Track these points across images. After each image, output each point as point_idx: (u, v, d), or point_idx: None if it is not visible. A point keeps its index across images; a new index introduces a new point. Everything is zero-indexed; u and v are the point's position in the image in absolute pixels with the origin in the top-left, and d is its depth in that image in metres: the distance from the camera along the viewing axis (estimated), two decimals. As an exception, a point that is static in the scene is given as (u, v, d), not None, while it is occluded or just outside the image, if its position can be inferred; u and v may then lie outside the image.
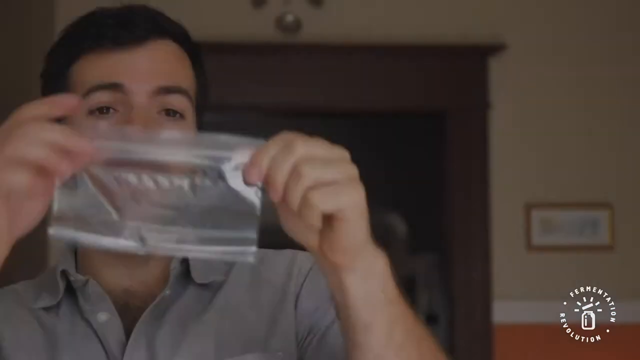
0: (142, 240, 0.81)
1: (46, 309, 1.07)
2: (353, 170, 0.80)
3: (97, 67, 1.04)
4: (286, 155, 0.77)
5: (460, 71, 3.21)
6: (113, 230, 0.81)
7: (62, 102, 0.80)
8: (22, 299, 1.09)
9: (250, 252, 0.80)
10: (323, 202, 0.78)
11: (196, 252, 0.81)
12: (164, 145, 0.80)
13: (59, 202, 0.80)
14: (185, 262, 1.09)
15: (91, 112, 1.02)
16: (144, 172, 0.80)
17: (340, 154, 0.80)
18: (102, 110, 1.02)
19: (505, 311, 3.11)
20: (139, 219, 0.80)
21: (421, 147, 4.57)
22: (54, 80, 1.07)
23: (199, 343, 1.04)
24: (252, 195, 0.80)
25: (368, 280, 0.84)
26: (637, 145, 3.20)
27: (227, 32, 3.13)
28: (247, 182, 0.79)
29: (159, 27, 1.06)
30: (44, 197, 0.81)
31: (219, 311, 1.07)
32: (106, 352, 1.03)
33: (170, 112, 1.04)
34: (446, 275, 3.29)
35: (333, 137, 0.87)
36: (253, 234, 0.80)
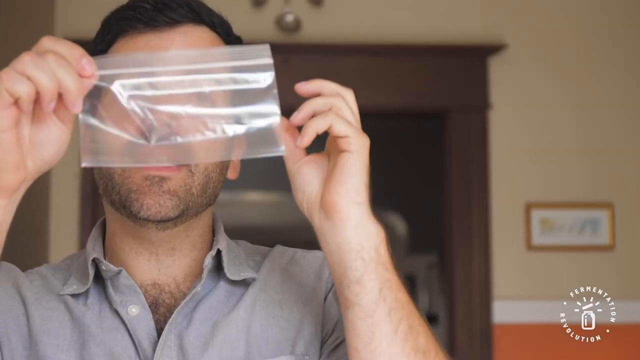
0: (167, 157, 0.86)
1: (74, 296, 1.06)
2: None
3: (127, 47, 1.04)
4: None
5: (460, 71, 3.21)
6: (140, 152, 0.84)
7: (82, 64, 0.80)
8: (49, 284, 1.08)
9: (275, 122, 0.86)
10: (338, 121, 0.90)
11: (222, 132, 0.86)
12: (182, 63, 0.84)
13: (86, 133, 0.82)
14: (217, 257, 1.08)
15: None
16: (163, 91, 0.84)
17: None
18: None
19: (505, 311, 3.11)
20: (164, 137, 0.84)
21: (421, 147, 4.58)
22: None
23: (228, 342, 1.03)
24: (269, 76, 0.87)
25: (361, 233, 0.90)
26: (637, 145, 3.20)
27: (227, 32, 3.13)
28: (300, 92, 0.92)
29: (196, 13, 1.06)
30: (63, 124, 0.82)
31: (249, 309, 1.06)
32: (135, 347, 1.01)
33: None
34: (446, 275, 3.28)
35: (333, 137, 0.92)
36: (276, 107, 0.87)
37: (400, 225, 5.47)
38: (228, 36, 1.10)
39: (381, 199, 5.28)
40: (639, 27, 3.26)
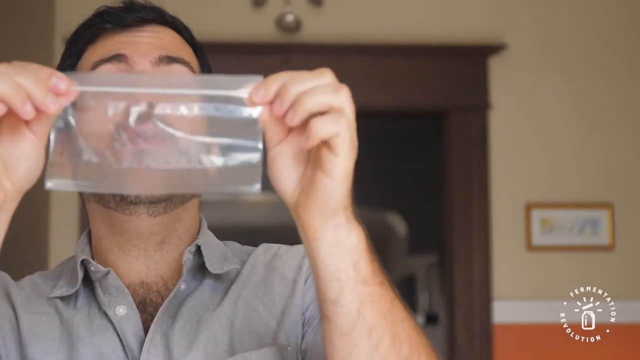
0: (140, 184, 0.82)
1: (63, 299, 1.08)
2: (353, 125, 0.80)
3: (100, 47, 1.07)
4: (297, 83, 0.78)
5: (460, 71, 3.21)
6: (112, 177, 0.80)
7: (53, 83, 0.76)
8: (39, 289, 1.10)
9: (255, 160, 0.80)
10: (323, 126, 0.77)
11: (197, 162, 0.81)
12: (164, 88, 0.80)
13: (56, 150, 0.79)
14: (198, 253, 1.09)
15: None
16: (139, 111, 0.80)
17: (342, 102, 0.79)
18: None
19: (505, 311, 3.11)
20: (136, 161, 0.80)
21: (421, 147, 4.58)
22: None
23: (213, 337, 1.04)
24: (255, 112, 0.79)
25: (337, 253, 0.82)
26: (637, 145, 3.20)
27: (227, 32, 3.13)
28: (251, 100, 0.78)
29: (161, 16, 1.11)
30: (38, 140, 0.79)
31: (232, 304, 1.07)
32: (123, 346, 1.03)
33: None
34: (446, 275, 3.28)
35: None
36: (258, 143, 0.80)
37: (400, 225, 5.47)
38: (192, 38, 1.13)
39: (381, 199, 5.29)
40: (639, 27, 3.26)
